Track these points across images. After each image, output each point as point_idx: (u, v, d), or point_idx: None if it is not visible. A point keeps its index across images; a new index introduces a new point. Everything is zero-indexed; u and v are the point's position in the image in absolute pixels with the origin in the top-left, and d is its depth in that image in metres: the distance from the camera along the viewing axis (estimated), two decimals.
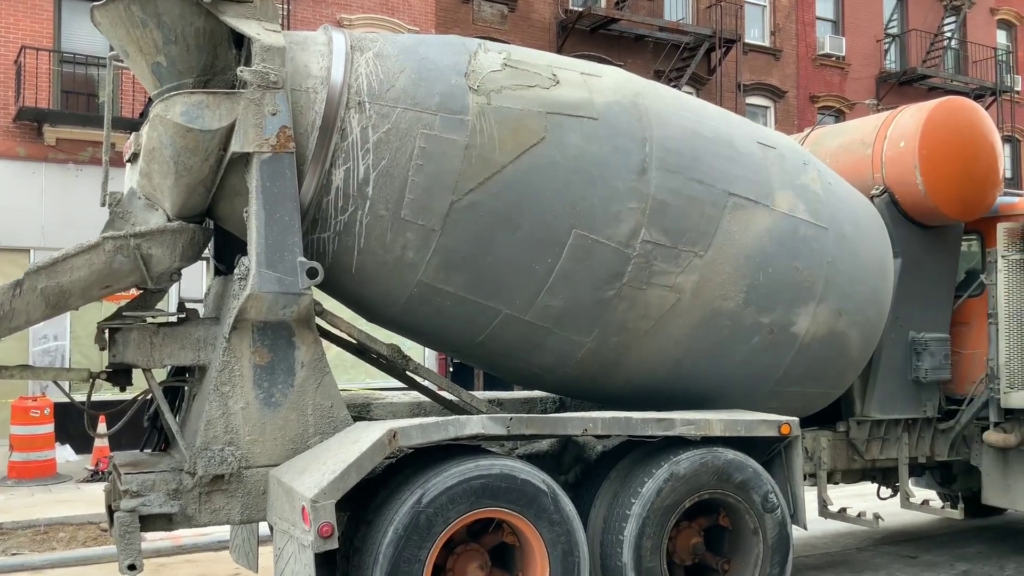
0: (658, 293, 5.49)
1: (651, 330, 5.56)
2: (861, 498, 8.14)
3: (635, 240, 5.36)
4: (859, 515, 6.68)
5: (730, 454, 5.45)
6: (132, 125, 13.03)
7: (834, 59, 24.33)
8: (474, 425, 4.83)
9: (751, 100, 23.16)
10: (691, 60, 21.10)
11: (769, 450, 5.84)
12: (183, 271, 5.26)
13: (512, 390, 7.30)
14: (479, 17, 19.55)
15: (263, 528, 6.27)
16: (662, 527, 5.25)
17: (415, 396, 6.35)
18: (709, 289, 5.61)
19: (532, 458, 5.61)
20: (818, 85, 24.20)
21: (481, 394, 6.52)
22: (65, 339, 14.50)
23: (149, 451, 5.58)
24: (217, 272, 5.90)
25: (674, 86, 19.64)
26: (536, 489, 4.85)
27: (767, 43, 23.78)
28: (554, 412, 6.65)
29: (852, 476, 7.27)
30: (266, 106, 4.83)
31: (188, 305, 5.46)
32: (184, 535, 7.73)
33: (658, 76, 20.30)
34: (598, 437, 5.55)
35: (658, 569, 5.21)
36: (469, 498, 4.66)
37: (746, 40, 22.89)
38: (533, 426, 5.06)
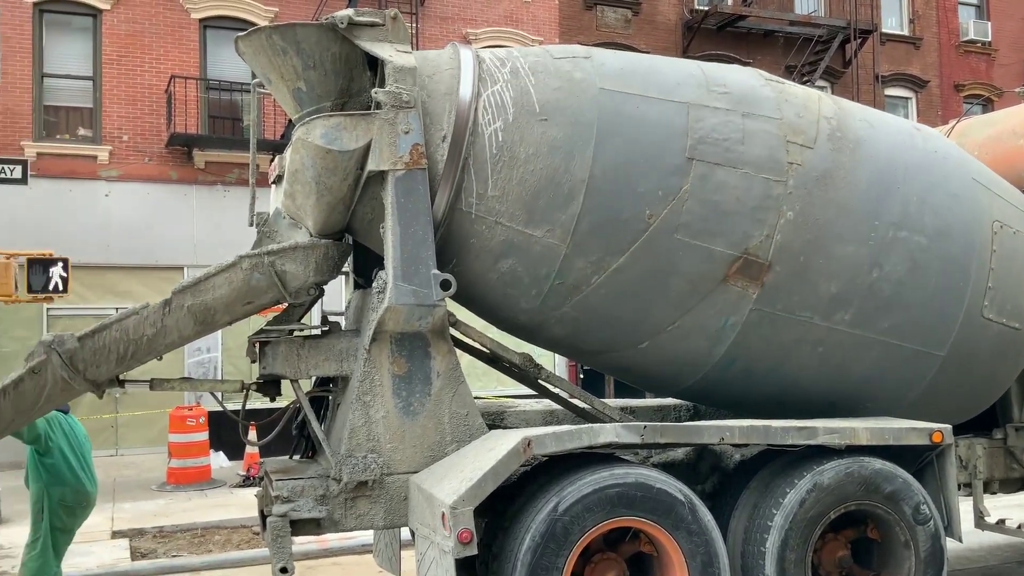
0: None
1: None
2: (1022, 509, 7.65)
3: None
4: (1019, 527, 6.29)
5: (878, 464, 5.23)
6: (275, 147, 13.72)
7: (979, 45, 23.00)
8: (607, 433, 4.83)
9: (890, 92, 22.17)
10: (824, 53, 20.40)
11: (920, 459, 5.57)
12: (325, 285, 5.47)
13: (644, 397, 7.25)
14: (602, 23, 19.53)
15: (405, 533, 6.47)
16: (806, 539, 5.08)
17: (547, 404, 6.39)
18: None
19: (667, 467, 5.55)
20: (962, 73, 22.92)
21: (613, 402, 6.50)
22: (217, 351, 15.36)
23: (298, 458, 5.85)
24: (357, 286, 6.12)
25: (806, 81, 19.07)
26: (673, 498, 4.79)
27: (906, 31, 22.72)
28: (688, 420, 6.56)
29: (1011, 486, 6.83)
30: (399, 125, 5.00)
31: (330, 318, 5.70)
32: (330, 538, 8.04)
33: (789, 72, 19.72)
34: (736, 446, 5.44)
35: None
36: (604, 507, 4.66)
37: (883, 30, 21.95)
38: (668, 435, 5.01)
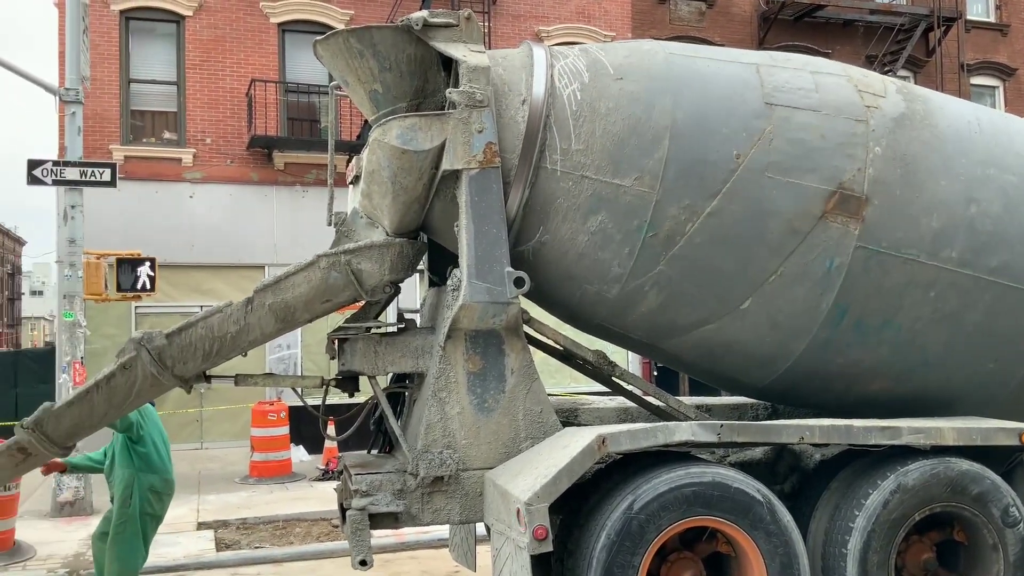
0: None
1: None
2: None
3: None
4: None
5: (964, 464, 5.07)
6: (351, 148, 13.97)
7: None
8: (683, 431, 4.79)
9: (976, 80, 21.39)
10: (907, 42, 19.78)
11: (1009, 460, 5.37)
12: (401, 283, 5.56)
13: (719, 395, 7.16)
14: (676, 17, 19.32)
15: (480, 528, 6.52)
16: (890, 541, 4.96)
17: (621, 402, 6.37)
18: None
19: (745, 466, 5.47)
20: None
21: (688, 400, 6.44)
22: (297, 348, 15.72)
23: (375, 453, 5.96)
24: (431, 284, 6.21)
25: (888, 71, 18.52)
26: (751, 498, 4.73)
27: (992, 18, 21.90)
28: (766, 419, 6.46)
29: None
30: (473, 124, 5.05)
31: (406, 316, 5.79)
32: (407, 532, 8.16)
33: (870, 62, 19.20)
34: (816, 446, 5.33)
35: None
36: (680, 506, 4.62)
37: (968, 16, 21.18)
38: (745, 433, 4.94)
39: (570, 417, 6.14)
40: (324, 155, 16.24)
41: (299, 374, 14.55)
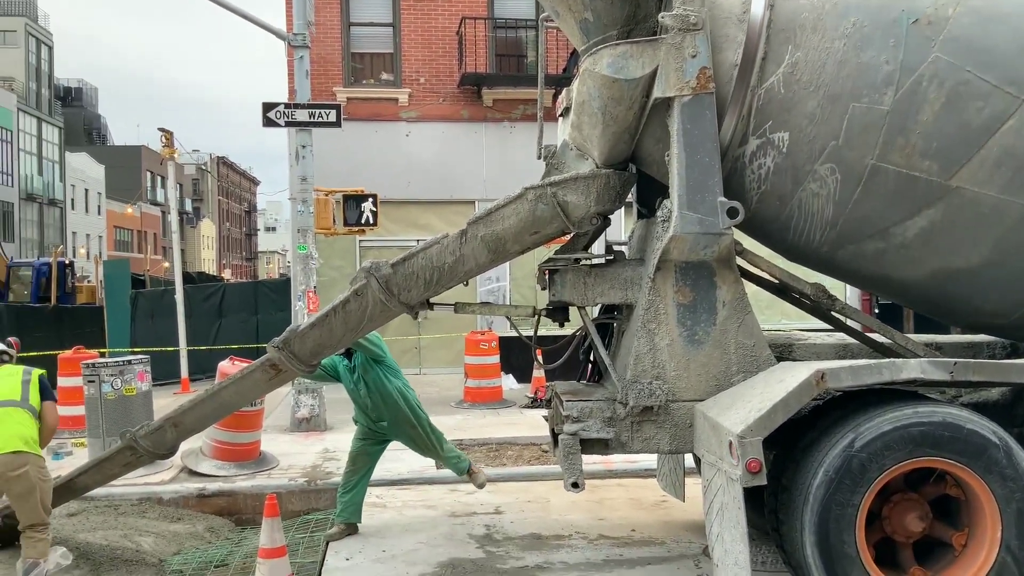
0: None
1: None
2: None
3: None
4: None
5: None
6: (558, 81, 13.97)
7: None
8: (912, 369, 4.53)
9: None
10: None
11: None
12: (611, 215, 5.56)
13: (950, 333, 6.68)
14: None
15: (688, 459, 6.53)
16: None
17: (841, 338, 6.10)
18: None
19: (979, 408, 5.11)
20: None
21: (915, 336, 6.06)
22: (506, 281, 16.19)
23: (584, 382, 6.08)
24: (640, 215, 6.17)
25: None
26: (985, 440, 4.42)
27: None
28: (1004, 359, 5.96)
29: None
30: (686, 49, 4.91)
31: (615, 248, 5.80)
32: (615, 460, 8.31)
33: None
34: None
35: None
36: (906, 446, 4.40)
37: None
38: (981, 372, 4.60)
39: (784, 352, 5.96)
40: (531, 91, 16.37)
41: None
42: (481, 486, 7.02)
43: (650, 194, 5.94)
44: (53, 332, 17.27)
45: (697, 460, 6.14)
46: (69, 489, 6.27)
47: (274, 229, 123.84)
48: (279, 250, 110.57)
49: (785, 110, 4.92)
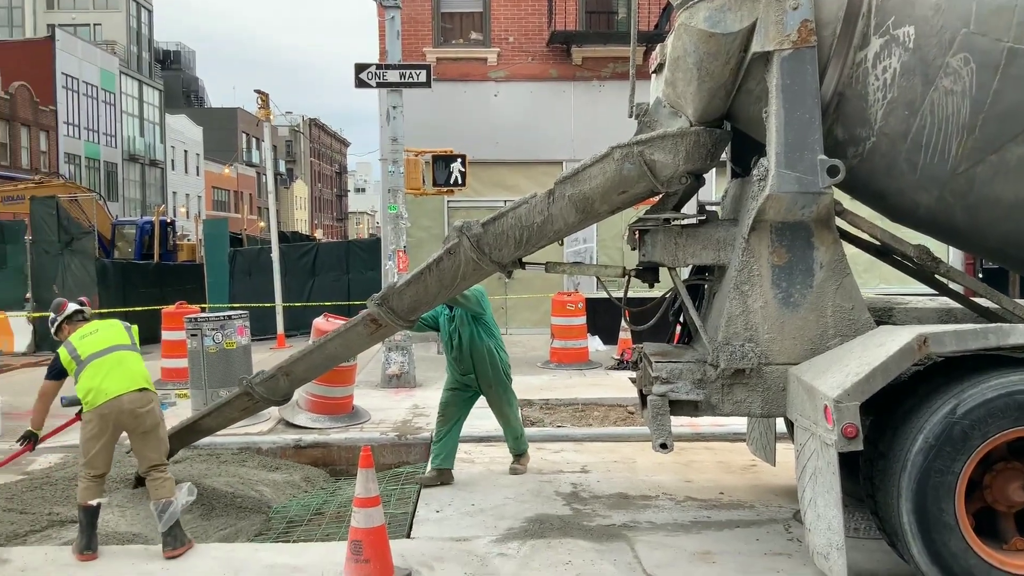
0: None
1: None
2: None
3: None
4: None
5: None
6: (649, 38, 13.73)
7: None
8: (1020, 334, 4.35)
9: None
10: None
11: None
12: (705, 174, 5.46)
13: None
14: None
15: (780, 424, 6.44)
16: None
17: (944, 302, 5.88)
18: None
19: None
20: None
21: (1022, 302, 5.79)
22: (593, 242, 16.12)
23: (673, 344, 6.03)
24: (734, 175, 6.04)
25: None
26: None
27: None
28: None
29: None
30: (787, 1, 4.74)
31: (708, 208, 5.69)
32: (702, 424, 8.25)
33: None
34: None
35: None
36: (1012, 413, 4.24)
37: None
38: None
39: (883, 316, 5.77)
40: (621, 48, 16.12)
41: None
42: (514, 472, 7.16)
43: (745, 152, 5.82)
44: (156, 288, 18.03)
45: (789, 424, 6.05)
46: (193, 430, 6.68)
47: (363, 190, 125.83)
48: (368, 211, 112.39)
49: (908, 3, 4.66)
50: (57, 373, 5.68)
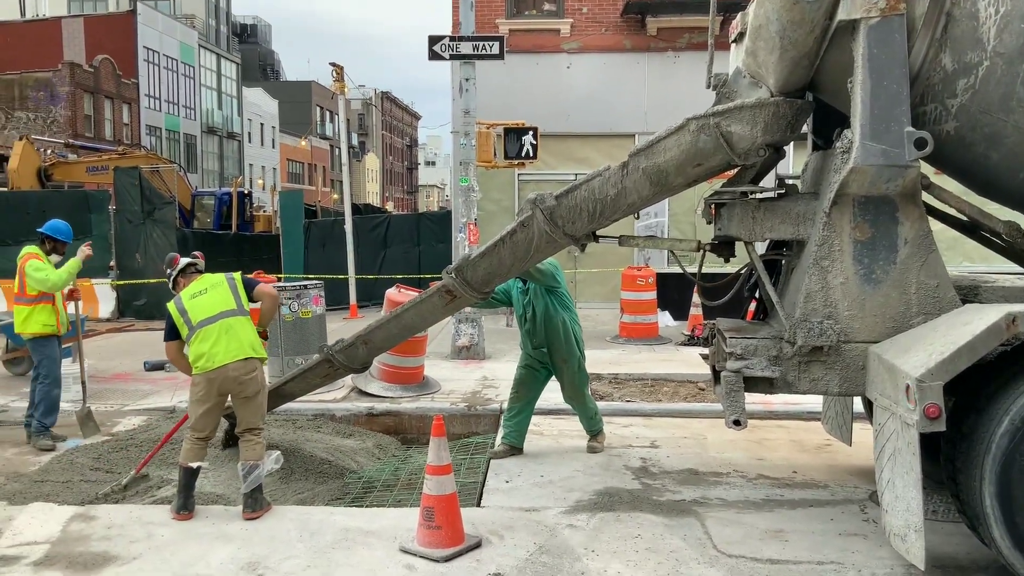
0: None
1: None
2: None
3: None
4: None
5: None
6: (728, 7, 13.40)
7: None
8: None
9: None
10: None
11: None
12: (786, 147, 5.33)
13: None
14: None
15: (857, 404, 6.31)
16: None
17: None
18: None
19: None
20: None
21: None
22: (664, 216, 15.94)
23: (747, 321, 5.93)
24: (815, 147, 5.89)
25: None
26: None
27: None
28: None
29: None
30: None
31: (787, 181, 5.57)
32: (775, 401, 8.13)
33: None
34: None
35: None
36: None
37: None
38: None
39: (969, 295, 5.57)
40: (697, 18, 15.81)
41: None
42: (591, 451, 7.07)
43: (827, 124, 5.65)
44: (234, 257, 18.47)
45: (866, 403, 5.91)
46: (280, 395, 6.92)
47: (433, 163, 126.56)
48: (438, 184, 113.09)
49: None
50: (173, 333, 5.82)
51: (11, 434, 7.89)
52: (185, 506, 5.52)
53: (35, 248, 7.58)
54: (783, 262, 5.73)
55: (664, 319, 14.15)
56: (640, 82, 16.19)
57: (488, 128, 11.96)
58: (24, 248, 7.65)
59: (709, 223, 5.68)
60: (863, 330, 4.90)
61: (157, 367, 10.63)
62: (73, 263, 7.37)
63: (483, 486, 6.30)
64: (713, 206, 5.49)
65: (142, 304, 16.27)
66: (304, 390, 6.98)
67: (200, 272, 6.05)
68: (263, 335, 6.08)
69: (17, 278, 7.49)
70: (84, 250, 7.42)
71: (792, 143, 6.05)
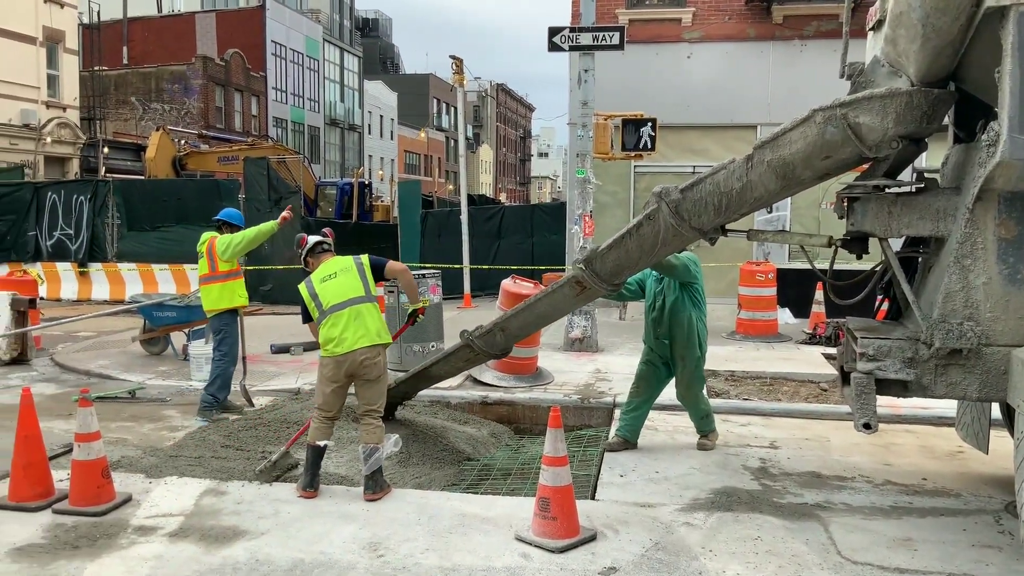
0: None
1: None
2: None
3: None
4: None
5: None
6: None
7: None
8: None
9: None
10: None
11: None
12: (926, 139, 5.08)
13: None
14: None
15: (994, 409, 5.98)
16: None
17: None
18: None
19: None
20: None
21: None
22: (786, 210, 15.47)
23: (878, 321, 5.70)
24: (956, 140, 5.60)
25: None
26: None
27: None
28: None
29: None
30: None
31: (926, 175, 5.31)
32: (903, 405, 7.79)
33: None
34: None
35: None
36: None
37: None
38: None
39: None
40: (825, 5, 15.28)
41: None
42: (701, 448, 6.95)
43: (971, 116, 5.37)
44: (354, 245, 18.95)
45: (1005, 410, 5.60)
46: (425, 377, 7.21)
47: (546, 155, 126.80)
48: (551, 175, 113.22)
49: None
50: (309, 315, 6.00)
51: (148, 410, 8.34)
52: (311, 484, 5.71)
53: (214, 233, 8.19)
54: (920, 260, 5.48)
55: (784, 316, 13.76)
56: (764, 72, 15.74)
57: (606, 119, 11.87)
58: (204, 234, 8.22)
59: (841, 218, 5.47)
60: (1006, 333, 4.64)
61: (282, 350, 11.04)
62: (270, 224, 8.01)
63: (597, 479, 6.28)
64: (845, 200, 5.29)
65: (268, 289, 16.94)
66: (449, 373, 7.27)
67: (329, 250, 6.24)
68: (421, 311, 6.46)
69: (205, 259, 8.03)
70: (285, 214, 8.02)
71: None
